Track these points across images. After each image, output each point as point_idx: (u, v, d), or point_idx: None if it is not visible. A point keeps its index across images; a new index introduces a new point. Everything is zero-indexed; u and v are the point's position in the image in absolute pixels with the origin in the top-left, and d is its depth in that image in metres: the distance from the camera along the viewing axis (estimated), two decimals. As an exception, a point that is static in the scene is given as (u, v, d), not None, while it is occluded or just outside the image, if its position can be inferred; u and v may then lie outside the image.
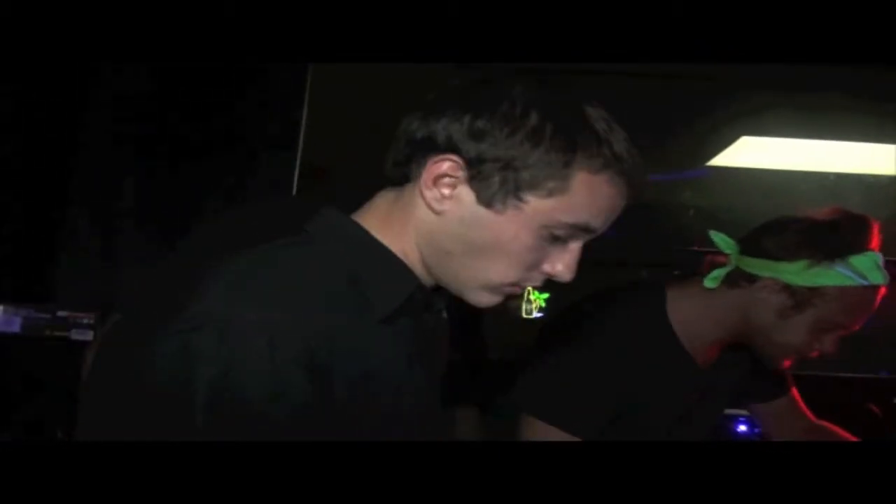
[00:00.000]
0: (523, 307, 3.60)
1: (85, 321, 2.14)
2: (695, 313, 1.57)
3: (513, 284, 0.99)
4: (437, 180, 0.96)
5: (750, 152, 3.25)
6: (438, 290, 1.04)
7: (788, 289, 1.49)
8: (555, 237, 0.97)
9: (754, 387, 1.77)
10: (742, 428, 2.37)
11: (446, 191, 0.96)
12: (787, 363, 1.58)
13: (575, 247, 0.99)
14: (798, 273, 1.48)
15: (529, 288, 1.03)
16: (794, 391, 1.82)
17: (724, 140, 3.16)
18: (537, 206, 0.94)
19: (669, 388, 1.58)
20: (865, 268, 1.46)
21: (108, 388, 1.40)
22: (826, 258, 1.46)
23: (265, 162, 2.30)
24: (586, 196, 0.95)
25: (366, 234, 1.00)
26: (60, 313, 2.15)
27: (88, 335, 2.12)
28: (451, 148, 0.94)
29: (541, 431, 1.49)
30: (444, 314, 1.10)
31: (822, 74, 2.27)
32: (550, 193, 0.94)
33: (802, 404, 1.82)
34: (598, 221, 0.97)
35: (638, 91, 2.39)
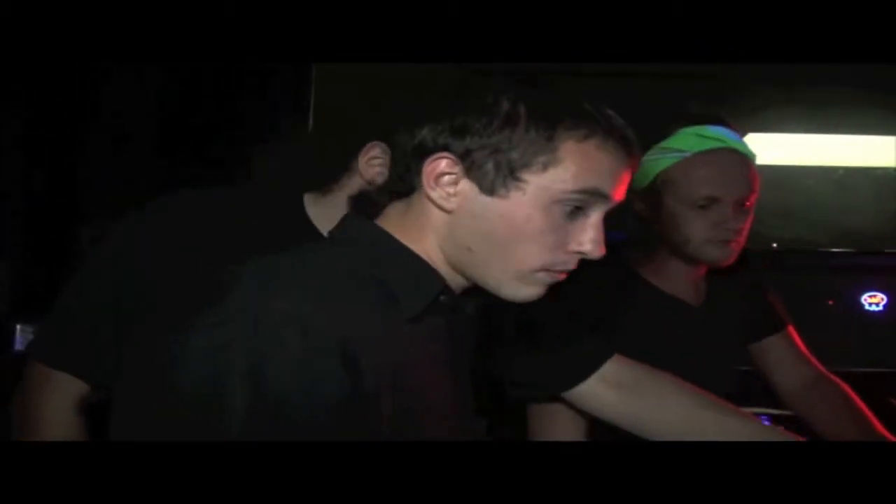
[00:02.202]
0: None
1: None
2: (650, 254, 1.62)
3: (543, 269, 1.00)
4: (437, 179, 0.98)
5: (755, 149, 3.23)
6: (467, 293, 1.05)
7: (637, 192, 1.57)
8: (572, 211, 0.98)
9: (747, 320, 1.76)
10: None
11: (450, 189, 0.98)
12: (725, 261, 1.56)
13: (595, 220, 1.00)
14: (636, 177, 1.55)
15: None
16: (791, 330, 1.80)
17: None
18: (538, 183, 0.96)
19: (673, 336, 1.59)
20: (680, 143, 1.53)
21: (139, 391, 1.39)
22: (644, 153, 1.52)
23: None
24: (581, 163, 0.97)
25: (390, 237, 1.01)
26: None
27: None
28: (440, 149, 0.98)
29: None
30: (471, 316, 1.09)
31: (825, 69, 2.26)
32: (545, 167, 0.96)
33: (803, 349, 1.79)
34: (607, 185, 0.99)
35: (640, 91, 2.38)
